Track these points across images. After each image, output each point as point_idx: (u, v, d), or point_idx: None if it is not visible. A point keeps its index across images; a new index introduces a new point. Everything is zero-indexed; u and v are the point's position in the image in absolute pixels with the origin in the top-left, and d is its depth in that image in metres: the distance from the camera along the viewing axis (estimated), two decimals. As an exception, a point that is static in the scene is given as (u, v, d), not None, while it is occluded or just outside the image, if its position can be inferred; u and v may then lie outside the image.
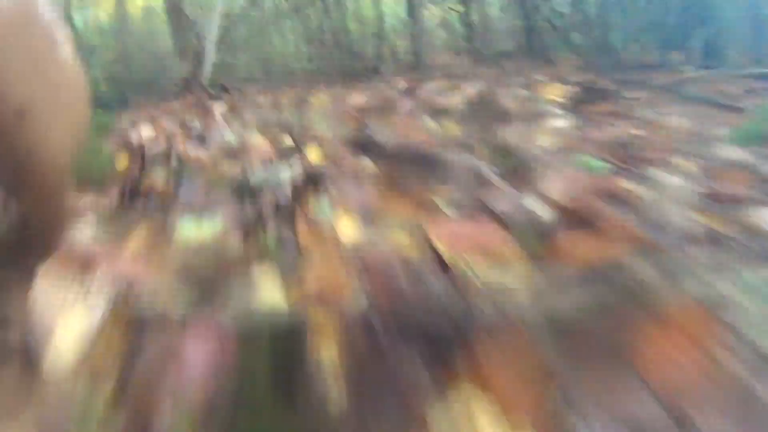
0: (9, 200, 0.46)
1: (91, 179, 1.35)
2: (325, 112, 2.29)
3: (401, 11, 7.98)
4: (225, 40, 6.15)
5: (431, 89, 2.38)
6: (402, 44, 7.94)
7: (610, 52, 5.78)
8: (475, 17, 7.80)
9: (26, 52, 0.37)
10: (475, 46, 7.85)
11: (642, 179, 1.23)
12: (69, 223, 0.51)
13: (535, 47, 6.77)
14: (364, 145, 1.48)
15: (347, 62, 7.16)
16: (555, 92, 2.06)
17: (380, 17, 7.71)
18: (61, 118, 0.42)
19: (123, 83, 7.03)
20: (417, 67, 6.93)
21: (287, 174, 1.28)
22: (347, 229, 0.97)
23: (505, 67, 6.00)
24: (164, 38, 7.25)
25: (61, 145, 0.43)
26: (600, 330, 0.64)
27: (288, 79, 7.48)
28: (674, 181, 1.15)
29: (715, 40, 5.39)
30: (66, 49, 0.44)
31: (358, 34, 7.54)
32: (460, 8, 7.65)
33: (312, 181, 1.24)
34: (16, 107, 0.36)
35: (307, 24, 7.47)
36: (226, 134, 1.93)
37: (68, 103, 0.44)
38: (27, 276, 0.50)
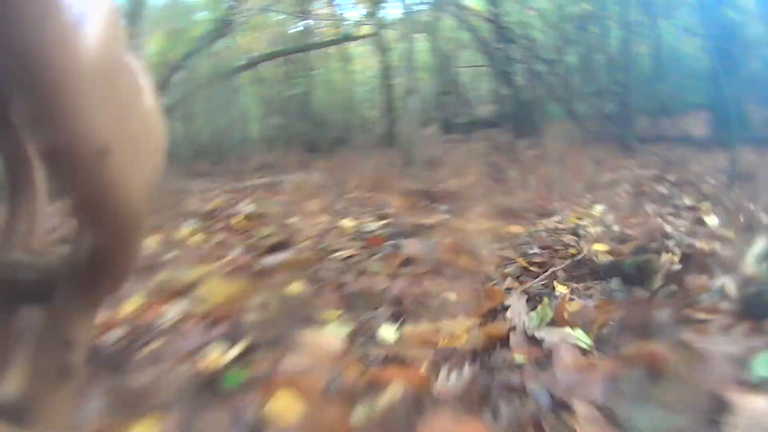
0: (83, 233, 0.48)
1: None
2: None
3: (373, 80, 7.39)
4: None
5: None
6: (372, 115, 7.31)
7: (609, 121, 5.22)
8: (449, 85, 7.30)
9: (111, 94, 0.39)
10: (450, 116, 7.31)
11: None
12: (139, 258, 0.53)
13: (519, 116, 6.24)
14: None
15: (313, 132, 6.40)
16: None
17: (350, 86, 7.08)
18: (140, 159, 0.44)
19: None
20: (388, 138, 6.23)
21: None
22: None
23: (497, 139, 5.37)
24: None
25: (138, 185, 0.44)
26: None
27: (244, 149, 6.66)
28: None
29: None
30: (147, 95, 0.46)
31: (326, 103, 6.83)
32: (436, 78, 7.08)
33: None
34: (99, 146, 0.37)
35: (270, 91, 6.75)
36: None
37: (147, 145, 0.46)
38: (93, 305, 0.52)
